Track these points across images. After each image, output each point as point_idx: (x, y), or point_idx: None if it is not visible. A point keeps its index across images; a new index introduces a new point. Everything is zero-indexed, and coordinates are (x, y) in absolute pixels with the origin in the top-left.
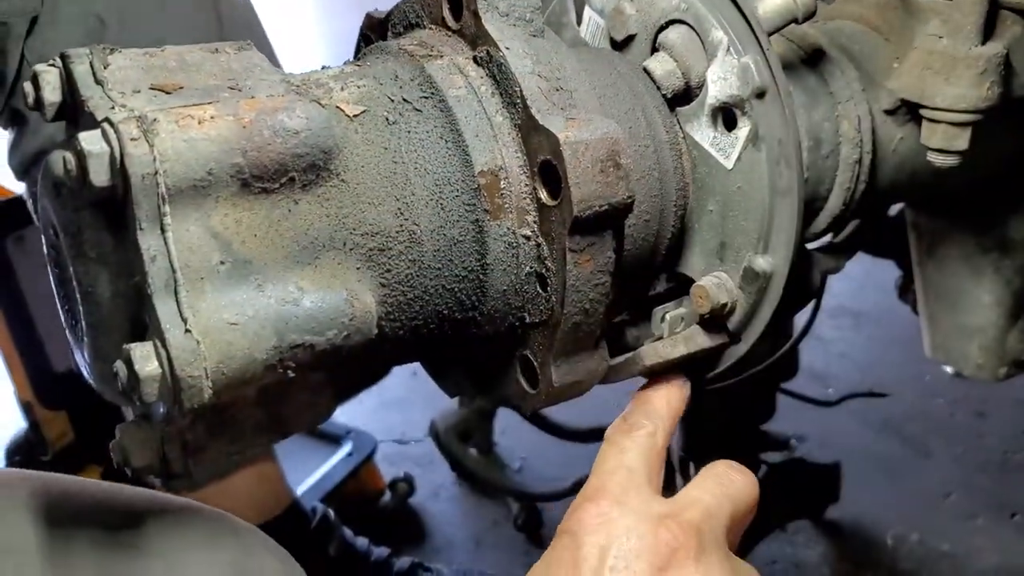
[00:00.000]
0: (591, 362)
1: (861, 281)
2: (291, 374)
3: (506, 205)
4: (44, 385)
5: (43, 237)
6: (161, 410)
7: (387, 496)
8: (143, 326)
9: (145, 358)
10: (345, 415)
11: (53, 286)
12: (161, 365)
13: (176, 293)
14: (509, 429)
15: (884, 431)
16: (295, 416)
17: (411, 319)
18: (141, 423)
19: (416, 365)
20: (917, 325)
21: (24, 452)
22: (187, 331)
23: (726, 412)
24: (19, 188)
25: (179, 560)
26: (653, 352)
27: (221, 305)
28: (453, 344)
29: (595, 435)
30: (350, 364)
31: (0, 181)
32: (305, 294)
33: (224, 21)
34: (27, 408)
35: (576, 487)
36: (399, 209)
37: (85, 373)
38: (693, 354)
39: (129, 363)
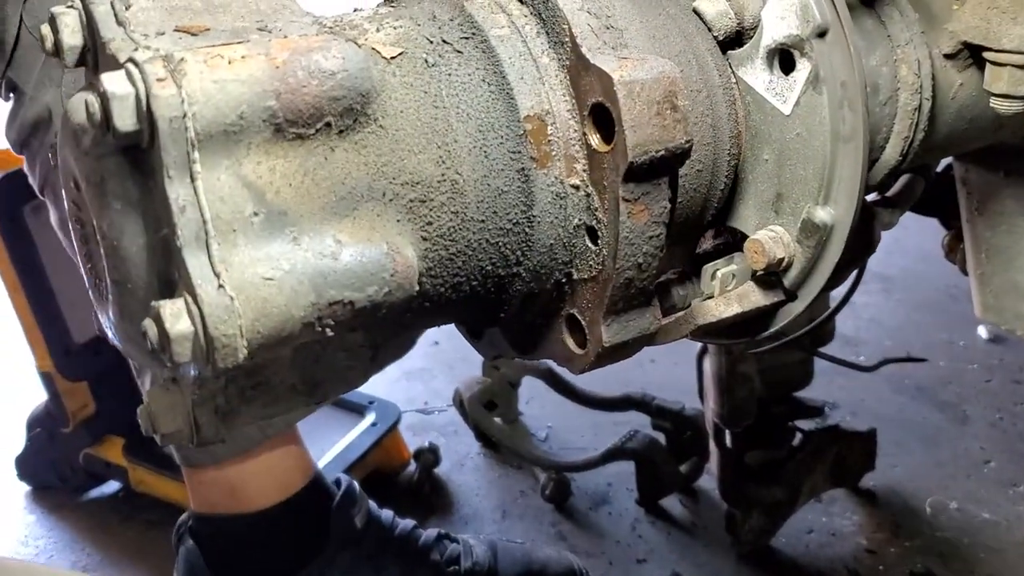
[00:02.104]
0: (643, 320)
1: (889, 247)
2: (330, 333)
3: (553, 152)
4: (64, 356)
5: (63, 193)
6: (192, 372)
7: (412, 466)
8: (171, 282)
9: (176, 316)
10: (367, 385)
11: (75, 244)
12: (193, 323)
13: (207, 246)
14: (535, 398)
15: (918, 398)
16: (331, 380)
17: (453, 275)
18: (170, 387)
19: (438, 334)
20: (948, 291)
21: (45, 424)
22: (220, 287)
23: (762, 379)
24: None
25: None
26: (705, 311)
27: (255, 259)
28: (494, 303)
29: (622, 404)
30: (389, 323)
31: None
32: (344, 248)
33: None
34: (47, 379)
35: (607, 457)
36: (440, 157)
37: (110, 334)
38: (747, 313)
39: (159, 321)
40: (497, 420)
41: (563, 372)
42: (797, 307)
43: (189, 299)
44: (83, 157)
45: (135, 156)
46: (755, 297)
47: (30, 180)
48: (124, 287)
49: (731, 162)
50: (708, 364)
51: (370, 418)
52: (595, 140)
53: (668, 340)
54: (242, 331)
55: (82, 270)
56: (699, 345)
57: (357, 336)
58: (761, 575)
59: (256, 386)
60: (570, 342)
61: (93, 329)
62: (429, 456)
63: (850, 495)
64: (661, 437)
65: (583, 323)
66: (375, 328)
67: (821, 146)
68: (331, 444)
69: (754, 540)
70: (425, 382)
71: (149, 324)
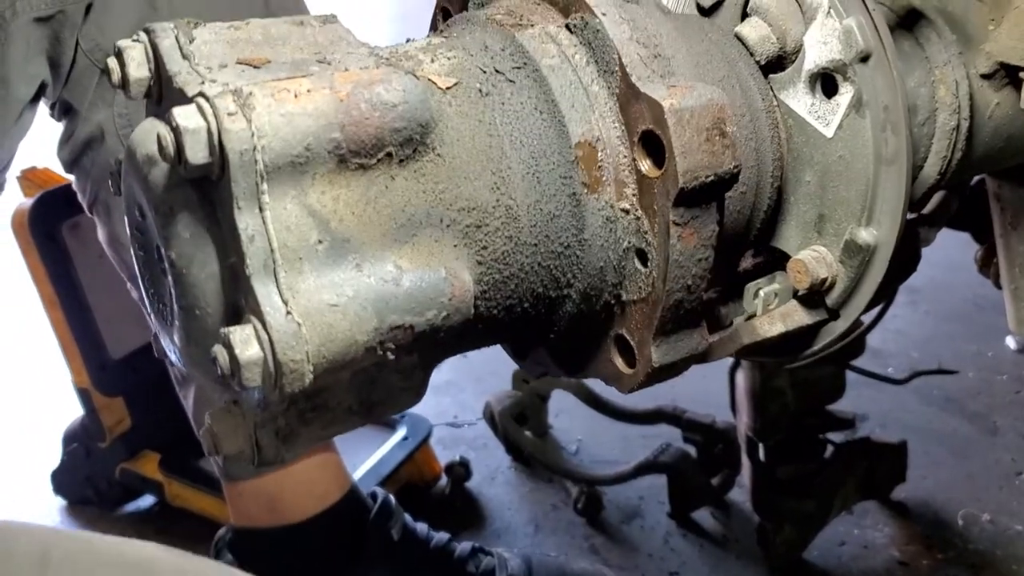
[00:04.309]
0: (691, 341)
1: None
2: (391, 356)
3: (604, 178)
4: (101, 371)
5: (126, 218)
6: (256, 395)
7: (443, 480)
8: (238, 308)
9: (245, 342)
10: None
11: (136, 268)
12: (262, 349)
13: (275, 274)
14: (564, 411)
15: (947, 409)
16: (386, 401)
17: (506, 298)
18: (232, 409)
19: None
20: (975, 302)
21: (81, 439)
22: (288, 313)
23: (795, 392)
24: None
25: None
26: (751, 330)
27: (320, 286)
28: (544, 323)
29: (652, 417)
30: (445, 345)
31: (54, 168)
32: (404, 273)
33: (272, 4)
34: (84, 395)
35: (639, 471)
36: (495, 184)
37: (174, 357)
38: (791, 332)
39: (229, 347)
40: (527, 433)
41: (593, 385)
42: (840, 326)
43: (258, 325)
44: (150, 187)
45: (203, 187)
46: (799, 316)
47: (79, 198)
48: (192, 313)
49: (774, 184)
50: (741, 378)
51: (401, 432)
52: (645, 166)
53: (714, 359)
54: (309, 356)
55: (143, 294)
56: (729, 359)
57: (412, 358)
58: None
59: (315, 408)
60: (619, 362)
61: (129, 345)
62: (460, 470)
63: (882, 507)
64: (692, 450)
65: (632, 344)
66: (430, 350)
67: (864, 168)
68: (363, 458)
69: (786, 553)
70: (454, 396)
71: (219, 350)
